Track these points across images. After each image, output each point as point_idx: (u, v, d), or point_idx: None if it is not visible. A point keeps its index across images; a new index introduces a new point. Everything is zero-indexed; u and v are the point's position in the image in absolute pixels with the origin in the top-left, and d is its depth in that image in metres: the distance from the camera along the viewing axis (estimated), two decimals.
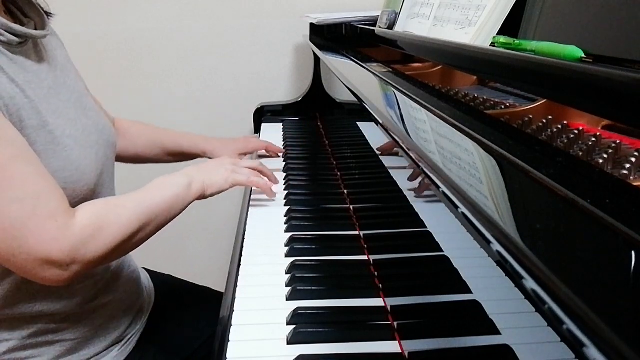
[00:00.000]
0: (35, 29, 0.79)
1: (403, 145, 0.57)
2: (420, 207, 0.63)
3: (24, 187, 0.65)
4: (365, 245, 0.88)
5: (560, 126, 0.61)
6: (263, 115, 1.66)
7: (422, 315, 0.64)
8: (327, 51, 1.29)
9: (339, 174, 1.19)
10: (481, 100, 0.78)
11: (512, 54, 0.61)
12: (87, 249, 0.69)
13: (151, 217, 0.77)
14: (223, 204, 1.82)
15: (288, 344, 0.66)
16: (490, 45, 0.73)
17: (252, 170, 1.00)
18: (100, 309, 0.85)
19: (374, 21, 1.29)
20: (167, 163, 1.22)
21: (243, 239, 0.92)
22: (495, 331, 0.43)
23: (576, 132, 0.58)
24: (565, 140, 0.56)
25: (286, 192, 1.08)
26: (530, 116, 0.66)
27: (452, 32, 0.82)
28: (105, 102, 1.05)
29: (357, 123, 1.15)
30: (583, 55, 0.54)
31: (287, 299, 0.75)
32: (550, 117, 0.64)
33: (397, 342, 0.65)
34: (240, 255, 0.87)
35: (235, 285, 0.78)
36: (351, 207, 1.02)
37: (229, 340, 0.66)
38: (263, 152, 1.34)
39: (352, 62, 1.12)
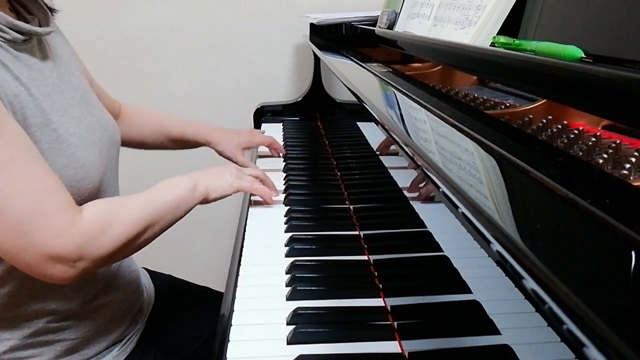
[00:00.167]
0: (40, 26, 0.79)
1: (403, 146, 0.57)
2: (420, 207, 0.63)
3: (30, 182, 0.65)
4: (365, 245, 0.88)
5: (560, 126, 0.61)
6: (263, 115, 1.66)
7: (422, 315, 0.64)
8: (327, 51, 1.29)
9: (339, 174, 1.19)
10: (481, 100, 0.78)
11: (512, 54, 0.61)
12: (95, 246, 0.69)
13: (156, 217, 0.78)
14: (223, 204, 1.81)
15: (288, 344, 0.66)
16: (490, 45, 0.73)
17: (255, 178, 1.00)
18: (100, 309, 0.85)
19: (374, 21, 1.29)
20: (171, 150, 1.23)
21: (243, 239, 0.92)
22: (495, 331, 0.43)
23: (576, 132, 0.58)
24: (565, 140, 0.56)
25: (286, 192, 1.08)
26: (530, 116, 0.66)
27: (452, 32, 0.82)
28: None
29: (357, 123, 1.15)
30: (583, 55, 0.54)
31: (287, 299, 0.75)
32: (550, 117, 0.64)
33: (397, 342, 0.65)
34: (240, 255, 0.87)
35: (235, 285, 0.78)
36: (351, 207, 1.02)
37: (229, 340, 0.66)
38: (265, 150, 1.34)
39: (352, 62, 1.12)
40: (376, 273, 0.79)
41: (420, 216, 0.62)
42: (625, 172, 0.47)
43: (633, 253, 0.29)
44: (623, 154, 0.52)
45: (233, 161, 1.19)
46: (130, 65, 1.72)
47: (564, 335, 0.26)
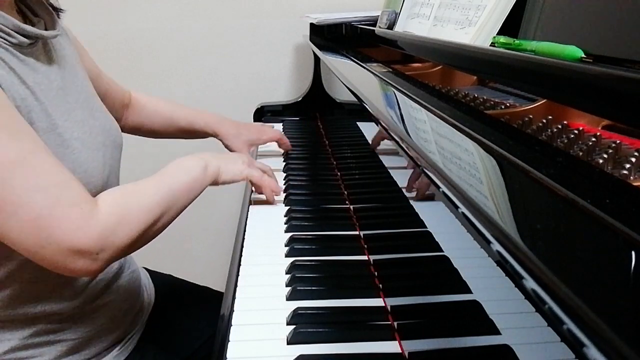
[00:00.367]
0: (45, 28, 0.79)
1: (403, 145, 0.57)
2: (420, 207, 0.63)
3: (47, 177, 0.65)
4: (365, 245, 0.88)
5: (560, 126, 0.61)
6: (263, 115, 1.66)
7: (422, 315, 0.64)
8: (327, 51, 1.29)
9: (339, 174, 1.19)
10: (481, 100, 0.78)
11: (512, 54, 0.61)
12: (114, 237, 0.69)
13: (172, 201, 0.77)
14: (223, 203, 1.82)
15: (288, 344, 0.66)
16: (490, 45, 0.73)
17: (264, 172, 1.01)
18: (101, 309, 0.85)
19: (374, 21, 1.29)
20: (180, 139, 1.24)
21: (243, 239, 0.92)
22: (495, 331, 0.43)
23: (576, 132, 0.58)
24: (565, 140, 0.56)
25: (286, 192, 1.08)
26: (530, 116, 0.66)
27: (452, 32, 0.82)
28: None
29: (357, 123, 1.15)
30: (583, 55, 0.54)
31: (287, 299, 0.75)
32: (550, 117, 0.64)
33: (397, 342, 0.65)
34: (240, 255, 0.87)
35: (235, 285, 0.78)
36: (351, 207, 1.02)
37: (229, 340, 0.66)
38: (265, 150, 1.33)
39: (352, 62, 1.12)
40: (376, 273, 0.79)
41: (420, 216, 0.62)
42: (625, 172, 0.48)
43: (633, 253, 0.29)
44: (623, 154, 0.52)
45: None
46: (130, 65, 1.72)
47: (564, 335, 0.26)
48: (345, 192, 1.09)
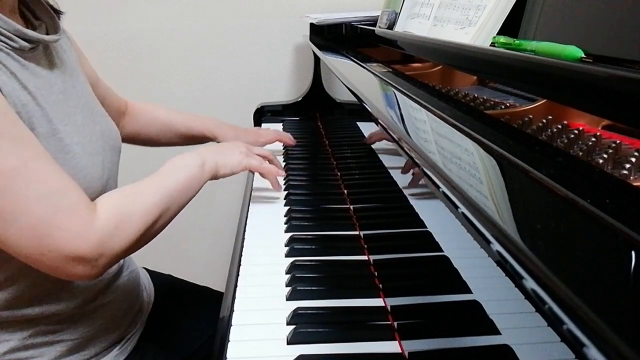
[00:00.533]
0: (47, 32, 0.79)
1: (403, 145, 0.57)
2: (420, 207, 0.63)
3: (47, 184, 0.65)
4: (365, 245, 0.88)
5: (560, 126, 0.61)
6: (263, 115, 1.66)
7: (422, 315, 0.64)
8: (327, 51, 1.29)
9: (339, 174, 1.19)
10: (481, 100, 0.78)
11: (512, 54, 0.61)
12: (113, 242, 0.69)
13: (170, 201, 0.77)
14: (223, 203, 1.82)
15: (288, 344, 0.66)
16: (490, 45, 0.73)
17: (264, 158, 1.00)
18: (100, 309, 0.85)
19: (374, 21, 1.29)
20: (179, 146, 1.22)
21: (243, 239, 0.92)
22: (495, 331, 0.43)
23: (576, 132, 0.58)
24: (565, 140, 0.56)
25: (286, 192, 1.08)
26: (530, 116, 0.66)
27: (452, 32, 0.82)
28: None
29: (357, 123, 1.15)
30: (583, 55, 0.54)
31: (287, 299, 0.75)
32: (550, 117, 0.64)
33: (397, 342, 0.65)
34: (240, 255, 0.87)
35: (235, 285, 0.78)
36: (351, 207, 1.02)
37: (229, 340, 0.66)
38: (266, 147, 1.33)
39: (352, 62, 1.12)
40: (376, 273, 0.79)
41: (420, 216, 0.62)
42: (625, 172, 0.47)
43: (633, 253, 0.29)
44: (623, 154, 0.52)
45: None
46: (130, 65, 1.72)
47: (564, 335, 0.26)
48: (345, 192, 1.09)
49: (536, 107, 0.67)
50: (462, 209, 0.39)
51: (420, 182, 0.63)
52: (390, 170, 0.80)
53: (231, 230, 1.05)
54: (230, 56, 1.73)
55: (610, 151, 0.51)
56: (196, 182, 0.83)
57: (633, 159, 0.49)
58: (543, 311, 0.30)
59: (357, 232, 0.93)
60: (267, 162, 1.01)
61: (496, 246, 0.33)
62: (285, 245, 0.89)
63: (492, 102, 0.77)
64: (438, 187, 0.44)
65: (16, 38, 0.70)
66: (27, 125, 0.68)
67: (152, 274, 1.08)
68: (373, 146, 0.94)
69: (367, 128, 1.04)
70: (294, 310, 0.71)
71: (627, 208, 0.34)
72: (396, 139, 0.60)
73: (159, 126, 1.17)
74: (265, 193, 1.09)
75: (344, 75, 0.95)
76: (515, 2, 0.73)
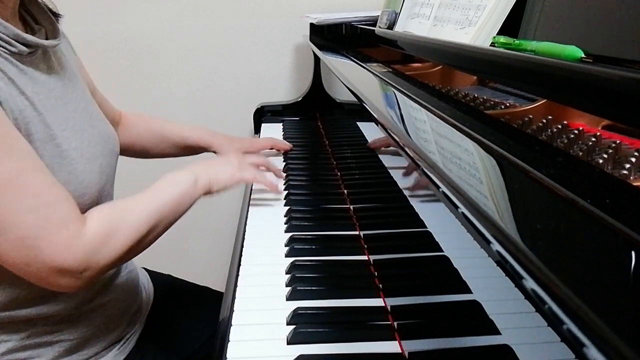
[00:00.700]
0: (46, 37, 0.79)
1: (403, 145, 0.57)
2: (420, 207, 0.63)
3: (38, 197, 0.65)
4: (365, 245, 0.88)
5: (560, 126, 0.61)
6: (263, 115, 1.66)
7: (422, 315, 0.64)
8: (327, 51, 1.29)
9: (339, 174, 1.19)
10: (481, 100, 0.78)
11: (512, 54, 0.61)
12: (99, 256, 0.69)
13: (160, 217, 0.77)
14: (223, 203, 1.82)
15: (288, 344, 0.66)
16: (490, 45, 0.73)
17: (258, 166, 1.00)
18: (98, 310, 0.85)
19: (374, 21, 1.29)
20: (173, 157, 1.23)
21: (243, 239, 0.92)
22: (495, 331, 0.43)
23: (576, 132, 0.58)
24: (565, 140, 0.56)
25: (286, 192, 1.08)
26: (530, 116, 0.66)
27: (452, 32, 0.82)
28: None
29: (357, 123, 1.15)
30: (583, 55, 0.54)
31: (287, 299, 0.75)
32: (550, 117, 0.64)
33: (397, 342, 0.65)
34: (240, 255, 0.87)
35: (235, 285, 0.78)
36: (351, 207, 1.02)
37: (229, 340, 0.66)
38: (264, 152, 1.34)
39: (352, 62, 1.12)
40: (376, 273, 0.79)
41: (420, 216, 0.62)
42: (625, 172, 0.47)
43: (633, 253, 0.29)
44: (623, 154, 0.52)
45: None
46: (130, 65, 1.72)
47: (564, 335, 0.26)
48: (345, 192, 1.09)
49: (536, 107, 0.67)
50: (462, 209, 0.39)
51: (421, 185, 0.63)
52: (390, 170, 0.80)
53: (231, 230, 1.05)
54: (230, 56, 1.73)
55: (610, 151, 0.51)
56: (188, 199, 0.84)
57: (633, 159, 0.49)
58: (543, 311, 0.30)
59: (357, 232, 0.93)
60: (262, 169, 1.00)
61: (496, 246, 0.33)
62: (285, 245, 0.89)
63: (492, 102, 0.77)
64: (438, 187, 0.44)
65: (15, 42, 0.70)
66: (24, 131, 0.68)
67: (152, 274, 1.08)
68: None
69: (367, 128, 1.04)
70: (294, 310, 0.71)
71: (627, 208, 0.34)
72: (396, 139, 0.60)
73: (153, 136, 1.17)
74: (265, 193, 1.09)
75: (344, 75, 0.95)
76: (515, 2, 0.73)
